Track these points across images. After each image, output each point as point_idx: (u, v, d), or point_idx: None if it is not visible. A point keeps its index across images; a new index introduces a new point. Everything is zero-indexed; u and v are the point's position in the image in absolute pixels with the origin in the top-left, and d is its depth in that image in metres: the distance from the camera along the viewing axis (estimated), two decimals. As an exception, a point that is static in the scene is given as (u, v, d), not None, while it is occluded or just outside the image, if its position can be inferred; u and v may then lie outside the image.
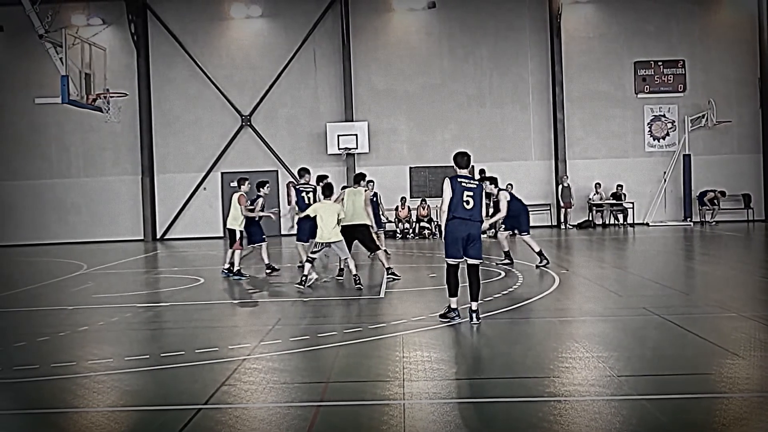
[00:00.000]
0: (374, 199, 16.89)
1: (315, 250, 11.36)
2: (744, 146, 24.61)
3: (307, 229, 12.33)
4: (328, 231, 11.10)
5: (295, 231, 13.64)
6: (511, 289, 10.60)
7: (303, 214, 11.94)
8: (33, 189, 25.45)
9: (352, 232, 11.93)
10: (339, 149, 24.02)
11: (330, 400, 5.57)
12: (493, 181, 13.42)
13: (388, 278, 11.92)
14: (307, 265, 11.37)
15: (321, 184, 12.14)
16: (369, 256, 17.08)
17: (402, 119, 24.97)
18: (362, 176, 12.92)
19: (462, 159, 8.46)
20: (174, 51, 25.15)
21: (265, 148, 24.97)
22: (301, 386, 5.96)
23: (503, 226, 13.74)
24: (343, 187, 13.16)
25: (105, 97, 18.33)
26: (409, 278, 12.59)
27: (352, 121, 24.52)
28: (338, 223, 11.20)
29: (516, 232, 13.76)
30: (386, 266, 12.21)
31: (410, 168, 24.78)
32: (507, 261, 13.46)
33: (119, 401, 5.76)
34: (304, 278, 11.24)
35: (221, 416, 5.23)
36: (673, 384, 5.73)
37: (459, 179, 8.22)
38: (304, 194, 12.90)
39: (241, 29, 25.32)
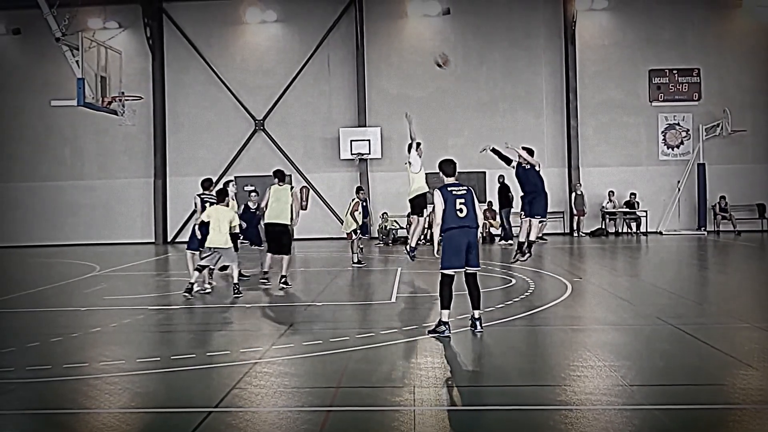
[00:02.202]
0: (365, 204, 16.91)
1: (204, 255, 11.39)
2: (759, 155, 24.40)
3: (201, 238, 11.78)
4: (217, 236, 11.10)
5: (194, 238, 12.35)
6: (522, 297, 10.56)
7: (199, 220, 11.71)
8: (47, 190, 25.66)
9: (274, 230, 12.02)
10: (352, 154, 24.06)
11: (341, 405, 5.57)
12: (531, 152, 12.23)
13: (280, 285, 12.01)
14: (195, 273, 11.33)
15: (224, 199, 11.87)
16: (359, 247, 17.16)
17: (415, 125, 24.88)
18: (283, 173, 12.60)
19: (449, 167, 8.23)
20: (189, 55, 25.32)
21: (279, 152, 25.05)
22: (312, 391, 5.96)
23: (522, 213, 12.03)
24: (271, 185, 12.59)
25: (120, 100, 18.44)
26: (420, 284, 12.58)
27: (365, 126, 24.56)
28: (231, 229, 11.18)
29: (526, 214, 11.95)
30: (283, 273, 12.17)
31: (422, 174, 24.71)
32: (541, 240, 12.32)
33: (130, 403, 5.79)
34: (190, 285, 11.20)
35: (232, 419, 5.24)
36: (685, 394, 5.69)
37: (449, 188, 8.02)
38: (207, 204, 12.24)
39: (256, 34, 25.45)
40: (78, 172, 25.79)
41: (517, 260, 12.26)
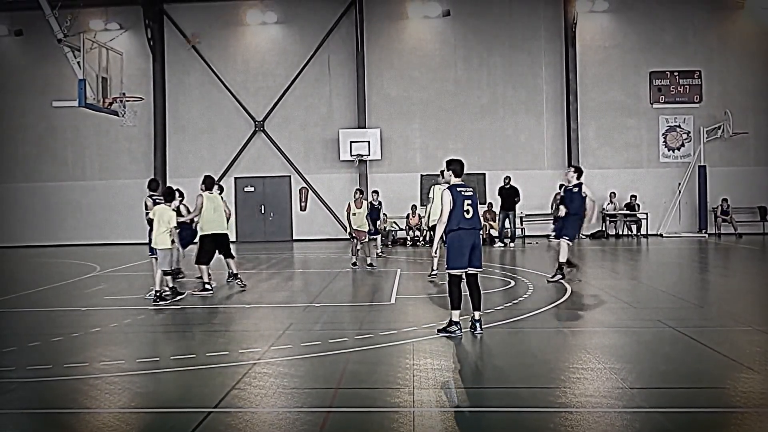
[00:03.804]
0: (378, 206, 16.90)
1: (154, 256, 11.36)
2: (760, 158, 24.39)
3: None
4: (156, 236, 11.12)
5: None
6: (522, 299, 10.56)
7: (148, 218, 11.69)
8: (49, 191, 25.69)
9: (215, 240, 12.07)
10: (351, 156, 24.06)
11: (340, 406, 5.57)
12: (579, 172, 12.46)
13: (238, 287, 12.26)
14: (168, 278, 11.30)
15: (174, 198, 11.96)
16: (380, 253, 17.38)
17: (415, 127, 24.97)
18: (213, 180, 12.59)
19: (458, 167, 8.17)
20: (189, 56, 25.33)
21: (278, 153, 25.05)
22: (312, 391, 5.96)
23: (554, 234, 12.90)
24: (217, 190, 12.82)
25: (121, 101, 18.43)
26: (420, 286, 12.57)
27: (365, 127, 24.56)
28: (170, 231, 11.12)
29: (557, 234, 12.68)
30: (237, 273, 12.50)
31: (422, 176, 24.75)
32: (572, 268, 12.64)
33: (130, 403, 5.79)
34: (176, 291, 11.22)
35: (231, 420, 5.24)
36: (686, 397, 5.68)
37: (458, 188, 8.00)
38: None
39: (257, 35, 25.46)
40: (79, 173, 25.81)
41: (557, 281, 12.24)
